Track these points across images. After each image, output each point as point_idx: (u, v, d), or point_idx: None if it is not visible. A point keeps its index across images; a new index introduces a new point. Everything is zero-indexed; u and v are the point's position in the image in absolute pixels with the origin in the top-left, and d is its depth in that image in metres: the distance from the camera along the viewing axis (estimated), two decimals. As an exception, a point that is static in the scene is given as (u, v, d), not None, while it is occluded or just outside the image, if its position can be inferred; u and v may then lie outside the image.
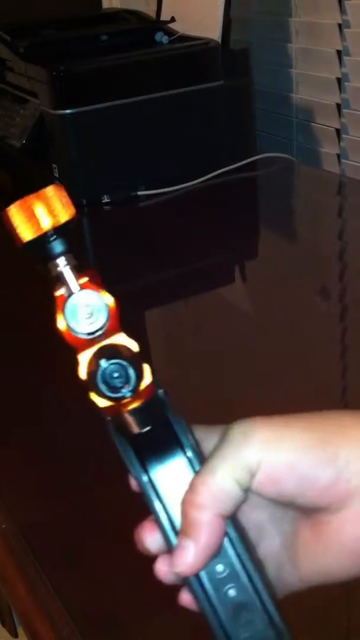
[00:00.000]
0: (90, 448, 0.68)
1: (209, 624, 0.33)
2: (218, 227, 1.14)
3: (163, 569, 0.34)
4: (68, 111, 1.15)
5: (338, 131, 1.29)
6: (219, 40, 1.26)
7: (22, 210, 0.33)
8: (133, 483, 0.36)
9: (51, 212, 0.33)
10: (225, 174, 1.26)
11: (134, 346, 0.33)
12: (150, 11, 1.50)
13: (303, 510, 0.34)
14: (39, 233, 0.33)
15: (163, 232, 1.11)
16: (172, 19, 1.33)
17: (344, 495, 0.32)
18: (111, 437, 0.35)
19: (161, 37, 1.28)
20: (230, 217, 1.18)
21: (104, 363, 0.32)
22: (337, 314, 0.91)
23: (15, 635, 1.00)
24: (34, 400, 0.76)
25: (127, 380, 0.32)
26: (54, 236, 0.33)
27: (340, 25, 1.23)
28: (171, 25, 1.32)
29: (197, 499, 0.32)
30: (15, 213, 0.33)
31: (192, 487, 0.33)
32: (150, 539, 0.35)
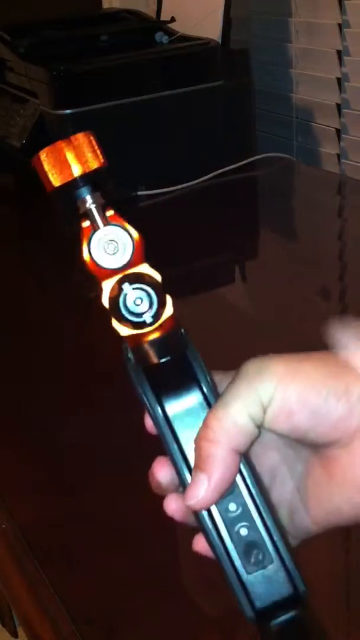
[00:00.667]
0: (91, 448, 0.68)
1: (220, 562, 0.33)
2: (218, 227, 1.14)
3: (173, 505, 0.35)
4: (68, 111, 1.15)
5: (338, 131, 1.29)
6: (219, 40, 1.26)
7: (53, 156, 0.34)
8: (148, 423, 0.35)
9: (80, 159, 0.34)
10: (225, 174, 1.26)
11: (157, 276, 0.34)
12: (150, 11, 1.50)
13: (314, 447, 0.34)
14: (68, 179, 0.33)
15: (163, 232, 1.11)
16: (172, 19, 1.33)
17: (355, 430, 0.32)
18: (127, 372, 0.35)
19: (161, 37, 1.28)
20: (230, 217, 1.18)
21: (127, 287, 0.33)
22: (337, 314, 0.91)
23: (15, 635, 1.00)
24: (34, 400, 0.76)
25: (149, 305, 0.33)
26: (84, 182, 0.34)
27: (340, 25, 1.23)
28: (171, 25, 1.32)
29: (211, 434, 0.32)
30: (45, 158, 0.34)
31: (205, 422, 0.33)
32: (162, 474, 0.35)
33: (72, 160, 0.34)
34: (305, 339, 0.83)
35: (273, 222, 1.22)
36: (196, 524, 0.34)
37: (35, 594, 0.55)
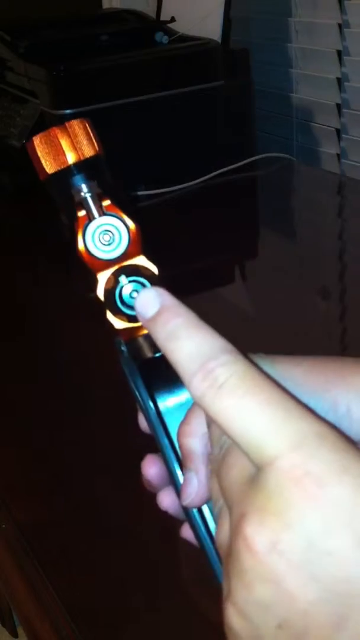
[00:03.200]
0: (91, 448, 0.68)
1: (208, 558, 0.33)
2: (218, 226, 1.14)
3: (166, 501, 0.34)
4: (68, 111, 1.15)
5: (338, 131, 1.29)
6: (219, 40, 1.26)
7: (46, 143, 0.33)
8: (142, 422, 0.35)
9: (75, 146, 0.33)
10: (225, 174, 1.26)
11: (153, 268, 0.33)
12: (150, 11, 1.50)
13: None
14: (62, 166, 0.33)
15: (163, 232, 1.11)
16: (172, 19, 1.33)
17: None
18: (120, 365, 0.34)
19: (161, 37, 1.28)
20: (230, 217, 1.18)
21: (123, 280, 0.32)
22: (337, 314, 0.91)
23: (15, 635, 1.00)
24: (34, 400, 0.76)
25: None
26: (78, 170, 0.33)
27: (340, 25, 1.23)
28: (171, 25, 1.32)
29: (188, 428, 0.32)
30: (39, 144, 0.33)
31: (185, 417, 0.32)
32: (152, 471, 0.35)
33: (66, 147, 0.33)
34: (305, 338, 0.83)
35: (273, 222, 1.22)
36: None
37: (35, 594, 0.55)
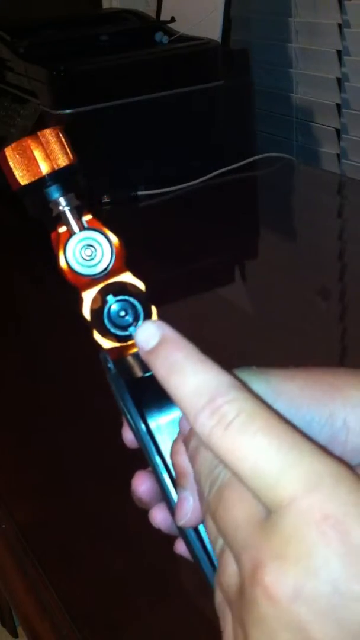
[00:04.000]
0: (90, 448, 0.68)
1: (205, 575, 0.32)
2: (218, 227, 1.14)
3: (158, 518, 0.34)
4: (68, 111, 1.15)
5: (338, 131, 1.29)
6: (219, 40, 1.26)
7: (19, 153, 0.32)
8: (128, 438, 0.34)
9: (48, 156, 0.32)
10: (225, 174, 1.26)
11: (140, 285, 0.32)
12: (150, 11, 1.50)
13: None
14: (35, 177, 0.32)
15: (163, 232, 1.11)
16: (172, 19, 1.33)
17: (340, 456, 0.30)
18: (110, 385, 0.34)
19: (161, 37, 1.28)
20: (230, 217, 1.18)
21: (111, 299, 0.31)
22: (337, 314, 0.91)
23: (15, 635, 1.00)
24: (33, 401, 0.76)
25: (135, 317, 0.31)
26: (53, 181, 0.32)
27: (340, 25, 1.23)
28: (171, 25, 1.32)
29: (182, 447, 0.31)
30: (11, 155, 0.32)
31: (178, 435, 0.32)
32: (142, 488, 0.34)
33: (39, 157, 0.32)
34: (305, 338, 0.83)
35: (273, 222, 1.22)
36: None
37: (35, 594, 0.55)
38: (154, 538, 0.57)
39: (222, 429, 0.27)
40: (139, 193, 1.22)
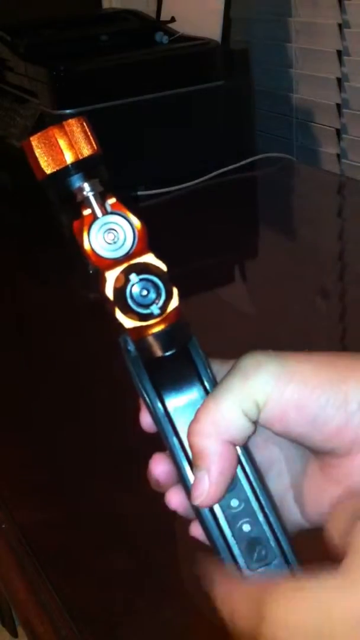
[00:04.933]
0: (91, 449, 0.68)
1: (222, 559, 0.32)
2: (218, 227, 1.14)
3: (175, 500, 0.34)
4: (68, 111, 1.15)
5: (338, 131, 1.29)
6: (219, 40, 1.26)
7: (44, 142, 0.32)
8: (144, 420, 0.35)
9: (73, 145, 0.32)
10: (225, 174, 1.26)
11: (162, 266, 0.33)
12: (150, 11, 1.50)
13: (312, 451, 0.33)
14: (60, 166, 0.32)
15: (163, 232, 1.11)
16: (172, 19, 1.33)
17: (351, 441, 0.31)
18: (126, 365, 0.34)
19: (161, 37, 1.28)
20: (230, 217, 1.18)
21: (134, 278, 0.32)
22: (337, 314, 0.91)
23: (15, 635, 1.00)
24: (34, 400, 0.76)
25: (157, 296, 0.32)
26: (77, 169, 0.32)
27: (340, 25, 1.23)
28: (171, 25, 1.32)
29: (199, 427, 0.32)
30: (37, 144, 0.32)
31: (195, 416, 0.32)
32: (159, 470, 0.34)
33: (64, 146, 0.32)
34: (305, 338, 0.83)
35: (273, 222, 1.22)
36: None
37: (35, 594, 0.55)
38: (154, 538, 0.57)
39: None
40: (139, 193, 1.22)
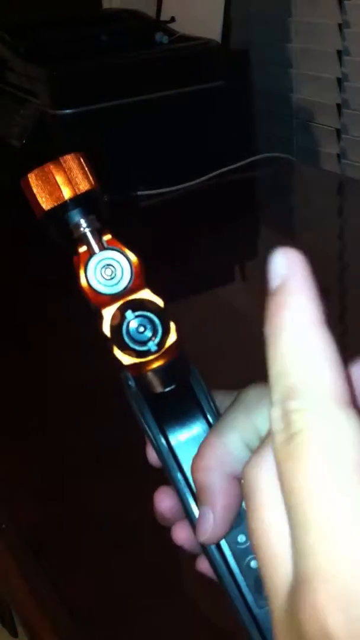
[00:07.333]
0: (91, 450, 0.68)
1: (229, 595, 0.32)
2: (218, 227, 1.14)
3: (181, 535, 0.34)
4: (68, 111, 1.15)
5: (338, 131, 1.29)
6: (219, 40, 1.26)
7: (41, 178, 0.33)
8: (151, 456, 0.35)
9: (70, 181, 0.32)
10: (225, 174, 1.26)
11: (159, 302, 0.33)
12: (150, 11, 1.50)
13: None
14: (58, 202, 0.32)
15: (163, 232, 1.11)
16: (172, 19, 1.33)
17: None
18: (130, 402, 0.34)
19: (161, 37, 1.28)
20: (230, 217, 1.18)
21: (130, 315, 0.32)
22: (337, 314, 0.91)
23: (15, 635, 1.00)
24: (34, 400, 0.76)
25: (153, 332, 0.32)
26: (74, 205, 0.32)
27: (340, 25, 1.23)
28: (171, 25, 1.32)
29: (202, 462, 0.31)
30: (34, 181, 0.33)
31: (198, 451, 0.32)
32: (165, 504, 0.34)
33: (61, 182, 0.32)
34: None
35: (273, 222, 1.22)
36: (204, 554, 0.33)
37: (35, 594, 0.55)
38: (154, 538, 0.57)
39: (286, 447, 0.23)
40: (139, 193, 1.22)
